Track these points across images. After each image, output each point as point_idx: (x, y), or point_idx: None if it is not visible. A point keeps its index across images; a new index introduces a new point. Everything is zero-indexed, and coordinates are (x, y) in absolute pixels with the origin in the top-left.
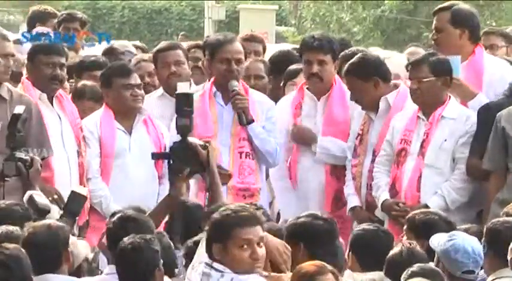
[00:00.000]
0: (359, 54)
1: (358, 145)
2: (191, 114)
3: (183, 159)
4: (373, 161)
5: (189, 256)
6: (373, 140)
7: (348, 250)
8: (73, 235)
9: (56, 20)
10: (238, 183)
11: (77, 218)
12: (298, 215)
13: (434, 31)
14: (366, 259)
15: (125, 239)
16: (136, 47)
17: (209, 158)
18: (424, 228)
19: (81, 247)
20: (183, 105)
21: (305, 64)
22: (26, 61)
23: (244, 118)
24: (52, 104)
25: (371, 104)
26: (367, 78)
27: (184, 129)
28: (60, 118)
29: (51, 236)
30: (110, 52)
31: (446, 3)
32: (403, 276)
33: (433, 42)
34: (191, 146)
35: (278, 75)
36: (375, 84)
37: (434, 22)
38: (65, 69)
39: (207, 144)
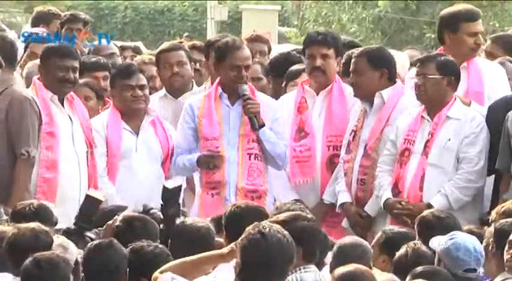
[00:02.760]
0: (379, 45)
1: (352, 141)
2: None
3: None
4: (364, 155)
5: None
6: (364, 136)
7: (377, 250)
8: (91, 240)
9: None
10: (247, 185)
11: (93, 220)
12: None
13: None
14: None
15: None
16: (128, 48)
17: None
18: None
19: (73, 249)
20: (175, 199)
21: (308, 59)
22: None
23: (256, 123)
24: (63, 106)
25: (368, 94)
26: (377, 67)
27: (174, 217)
28: (71, 119)
29: (34, 238)
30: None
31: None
32: (408, 277)
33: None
34: None
35: (278, 77)
36: (381, 76)
37: (478, 26)
38: (78, 72)
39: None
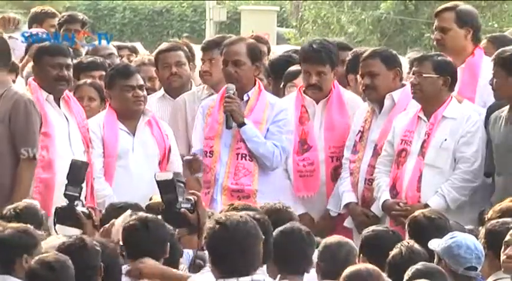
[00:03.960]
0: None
1: (359, 141)
2: (175, 190)
3: (173, 224)
4: (374, 156)
5: None
6: (373, 136)
7: (358, 253)
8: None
9: (54, 20)
10: (232, 184)
11: (82, 185)
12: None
13: (437, 31)
14: (378, 261)
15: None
16: (125, 47)
17: (199, 217)
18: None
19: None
20: (169, 189)
21: (304, 74)
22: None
23: (230, 121)
24: (59, 106)
25: (383, 95)
26: (391, 66)
27: (172, 201)
28: (67, 119)
29: (17, 237)
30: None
31: (449, 4)
32: (406, 274)
33: (435, 42)
34: (179, 213)
35: (278, 78)
36: (395, 75)
37: (437, 22)
38: (71, 70)
39: (194, 200)
